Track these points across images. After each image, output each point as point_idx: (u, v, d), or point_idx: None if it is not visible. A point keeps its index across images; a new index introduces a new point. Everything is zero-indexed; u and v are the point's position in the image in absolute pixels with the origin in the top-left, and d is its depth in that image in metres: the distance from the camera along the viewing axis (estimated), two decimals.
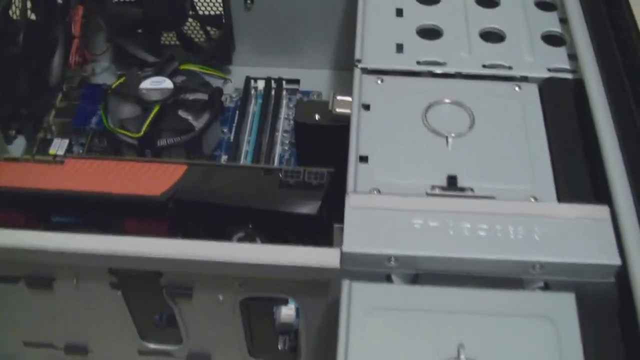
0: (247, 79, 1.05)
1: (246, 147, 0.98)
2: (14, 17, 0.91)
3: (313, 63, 1.09)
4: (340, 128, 0.73)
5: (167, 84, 0.94)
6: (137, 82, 0.95)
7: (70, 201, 0.75)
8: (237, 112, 1.02)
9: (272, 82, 1.05)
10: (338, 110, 0.74)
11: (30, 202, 0.76)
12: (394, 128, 0.70)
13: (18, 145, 0.96)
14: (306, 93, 1.05)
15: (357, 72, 0.75)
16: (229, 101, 1.04)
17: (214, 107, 0.95)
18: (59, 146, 0.95)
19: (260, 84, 1.05)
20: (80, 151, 0.98)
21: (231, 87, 1.05)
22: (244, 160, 0.96)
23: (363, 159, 0.68)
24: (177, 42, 1.06)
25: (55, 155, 0.81)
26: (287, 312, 0.80)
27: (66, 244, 0.63)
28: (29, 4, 0.94)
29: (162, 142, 0.91)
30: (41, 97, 0.98)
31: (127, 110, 0.93)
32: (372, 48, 0.78)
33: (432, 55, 0.77)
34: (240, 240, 0.75)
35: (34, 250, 0.64)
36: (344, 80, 1.08)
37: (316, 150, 0.80)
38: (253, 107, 1.03)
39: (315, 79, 1.08)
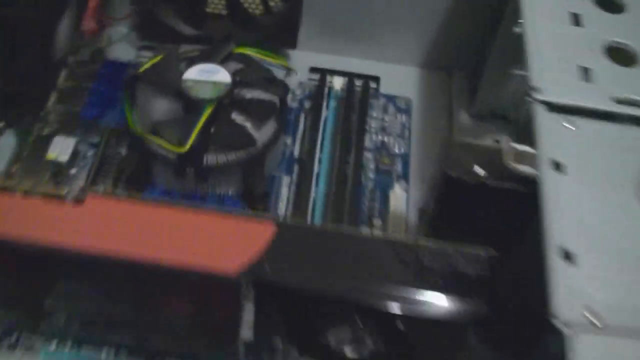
0: (323, 75, 0.79)
1: (317, 168, 0.72)
2: None
3: (394, 56, 0.84)
4: (517, 194, 0.47)
5: (222, 76, 0.67)
6: (178, 68, 0.68)
7: (91, 266, 0.49)
8: (303, 116, 0.76)
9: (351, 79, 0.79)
10: (516, 166, 0.49)
11: (29, 262, 0.50)
12: (603, 204, 0.46)
13: (6, 144, 0.69)
14: (391, 98, 0.79)
15: (538, 109, 0.50)
16: (291, 99, 0.77)
17: (284, 114, 0.69)
18: (60, 148, 0.69)
19: (336, 82, 0.78)
20: (89, 153, 0.71)
21: (295, 80, 0.78)
22: (315, 187, 0.70)
23: (568, 255, 0.42)
24: (225, 12, 0.78)
25: (68, 192, 0.54)
26: None
27: None
28: None
29: (211, 160, 0.65)
30: (41, 76, 0.70)
31: (164, 108, 0.67)
32: (545, 70, 0.53)
33: (632, 90, 0.52)
34: (341, 342, 0.50)
35: None
36: (433, 82, 0.82)
37: (467, 213, 0.54)
38: (325, 112, 0.77)
39: (395, 77, 0.83)
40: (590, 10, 0.60)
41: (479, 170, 0.52)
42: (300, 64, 0.80)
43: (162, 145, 0.65)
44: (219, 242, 0.49)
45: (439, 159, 0.56)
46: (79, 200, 0.51)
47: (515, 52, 0.70)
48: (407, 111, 0.79)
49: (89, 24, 0.76)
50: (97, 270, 0.50)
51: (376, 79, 0.81)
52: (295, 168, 0.73)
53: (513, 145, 0.51)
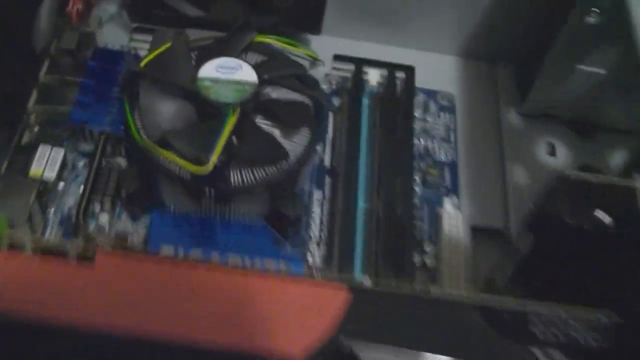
0: (358, 67, 0.67)
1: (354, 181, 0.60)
2: None
3: (430, 44, 0.72)
4: None
5: (246, 73, 0.55)
6: (189, 62, 0.56)
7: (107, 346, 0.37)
8: (332, 116, 0.64)
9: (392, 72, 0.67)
10: None
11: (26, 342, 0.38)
12: None
13: None
14: (431, 93, 0.67)
15: None
16: None
17: (319, 118, 0.57)
18: (46, 161, 0.56)
19: (372, 75, 0.67)
20: (80, 164, 0.58)
21: (320, 73, 0.66)
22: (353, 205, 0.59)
23: None
24: None
25: (71, 247, 0.41)
26: None
27: None
28: None
29: (235, 178, 0.52)
30: (21, 70, 0.57)
31: (173, 112, 0.55)
32: None
33: None
34: None
35: None
36: (474, 74, 0.71)
37: (581, 267, 0.43)
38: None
39: (432, 68, 0.71)
40: None
41: (602, 215, 0.41)
42: (321, 52, 0.67)
43: (178, 161, 0.52)
44: (276, 314, 0.38)
45: (539, 195, 0.44)
46: (86, 259, 0.38)
47: (585, 45, 0.60)
48: (450, 109, 0.68)
49: (75, 4, 0.62)
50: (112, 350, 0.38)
51: (410, 70, 0.69)
52: (327, 180, 0.61)
53: None
